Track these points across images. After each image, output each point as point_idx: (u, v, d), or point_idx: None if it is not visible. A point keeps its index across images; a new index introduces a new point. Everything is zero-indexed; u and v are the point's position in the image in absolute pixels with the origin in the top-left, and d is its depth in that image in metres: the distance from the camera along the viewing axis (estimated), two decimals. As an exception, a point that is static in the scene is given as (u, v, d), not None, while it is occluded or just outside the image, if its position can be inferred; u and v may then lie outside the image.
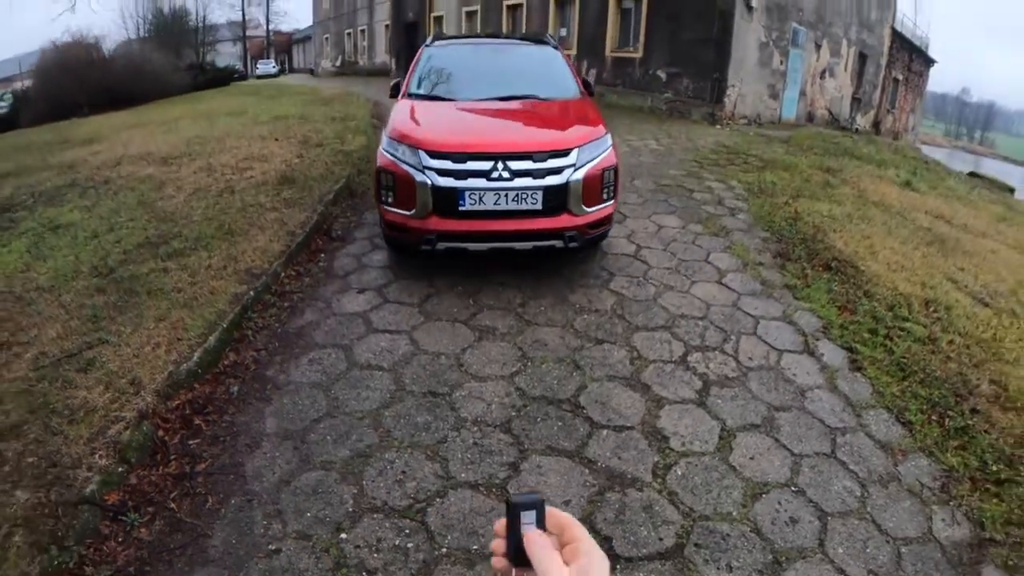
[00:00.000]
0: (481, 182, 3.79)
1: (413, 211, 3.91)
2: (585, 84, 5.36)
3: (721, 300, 4.34)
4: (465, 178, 3.80)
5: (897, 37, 22.03)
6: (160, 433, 2.69)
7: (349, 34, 33.22)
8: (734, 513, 2.53)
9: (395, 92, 5.19)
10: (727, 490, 2.64)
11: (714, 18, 13.68)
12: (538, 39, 6.13)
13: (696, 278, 4.66)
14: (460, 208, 3.84)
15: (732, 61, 13.80)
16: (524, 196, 3.82)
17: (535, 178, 3.83)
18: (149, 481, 2.50)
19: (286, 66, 45.63)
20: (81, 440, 2.53)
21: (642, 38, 15.16)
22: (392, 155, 4.02)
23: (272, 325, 3.71)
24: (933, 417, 3.25)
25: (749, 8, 13.97)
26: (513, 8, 18.82)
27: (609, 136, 4.38)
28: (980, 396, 3.42)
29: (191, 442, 2.75)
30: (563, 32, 17.47)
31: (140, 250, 4.42)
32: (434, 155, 3.86)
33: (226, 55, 41.51)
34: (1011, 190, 16.64)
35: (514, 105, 4.79)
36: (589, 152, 4.07)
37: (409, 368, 3.34)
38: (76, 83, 14.22)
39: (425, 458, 2.71)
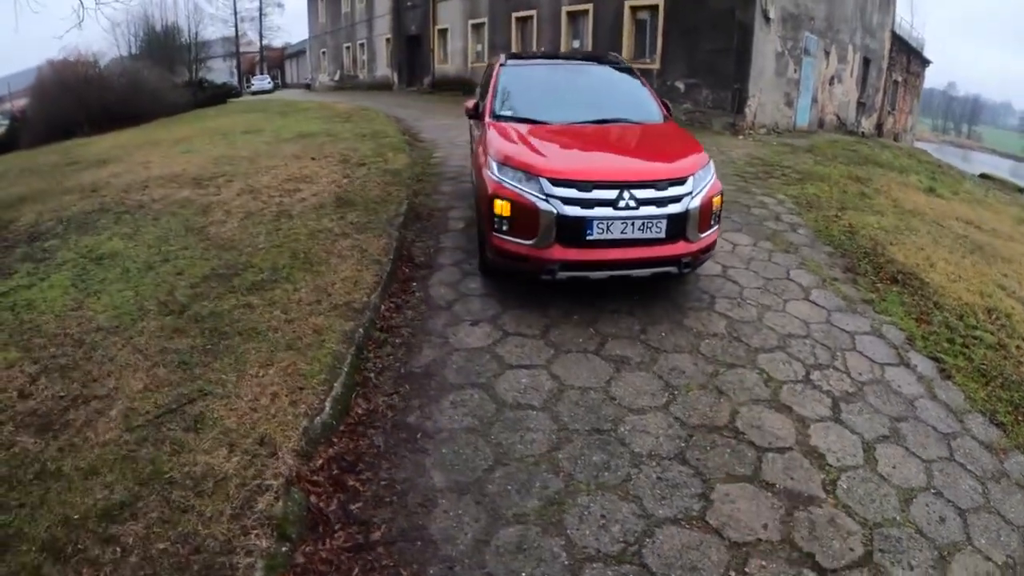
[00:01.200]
0: (608, 211, 3.73)
1: (534, 240, 3.76)
2: (663, 105, 5.29)
3: (815, 317, 4.44)
4: (592, 207, 3.72)
5: (896, 40, 22.21)
6: (314, 500, 2.28)
7: (348, 48, 32.84)
8: (897, 518, 2.74)
9: (474, 113, 5.05)
10: (885, 498, 2.84)
11: (734, 29, 13.52)
12: (608, 59, 6.06)
13: (786, 296, 4.73)
14: (587, 237, 3.75)
15: (752, 71, 13.64)
16: (649, 225, 3.79)
17: (659, 207, 3.80)
18: (320, 559, 2.12)
19: (279, 81, 45.13)
20: (223, 517, 2.12)
21: (659, 49, 14.96)
22: (507, 182, 3.87)
23: (393, 365, 3.40)
24: (1020, 418, 3.59)
25: (767, 19, 13.84)
26: (523, 20, 18.57)
27: (712, 162, 4.38)
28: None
29: (352, 507, 2.39)
30: (575, 44, 17.24)
31: (210, 283, 3.97)
32: (558, 183, 3.75)
33: (218, 71, 41.04)
34: (1021, 190, 16.85)
35: (614, 130, 4.73)
36: (701, 179, 4.07)
37: (562, 405, 3.21)
38: (75, 102, 13.67)
39: (618, 499, 2.66)
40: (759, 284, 4.89)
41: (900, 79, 23.83)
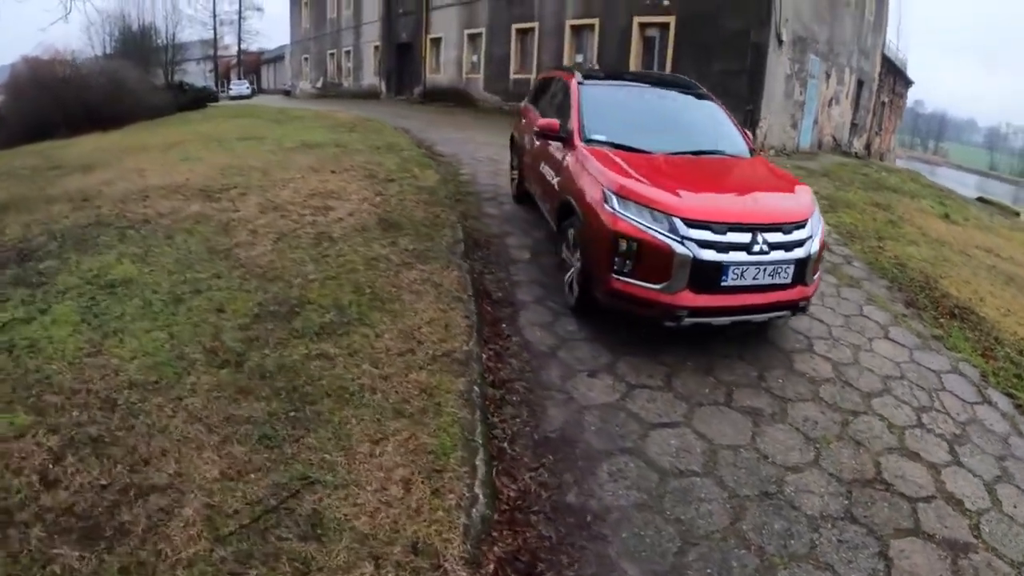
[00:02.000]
0: (742, 255, 3.52)
1: (663, 285, 3.49)
2: (745, 135, 5.12)
3: (900, 356, 4.44)
4: (727, 251, 3.50)
5: (886, 62, 22.53)
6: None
7: (332, 54, 31.92)
8: (1037, 555, 2.78)
9: (555, 134, 4.70)
10: (1018, 536, 2.91)
11: (747, 51, 13.32)
12: (683, 83, 5.82)
13: (868, 335, 4.69)
14: (721, 283, 3.52)
15: (765, 93, 13.44)
16: (779, 270, 3.63)
17: (786, 251, 3.65)
18: None
19: (254, 86, 43.79)
20: None
21: (668, 67, 14.65)
22: (632, 219, 3.57)
23: (523, 431, 2.96)
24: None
25: (780, 41, 13.69)
26: (523, 32, 18.13)
27: None
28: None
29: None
30: (579, 58, 16.86)
31: (264, 324, 3.29)
32: (693, 224, 3.48)
33: (192, 75, 39.60)
34: (1017, 213, 17.40)
35: (720, 165, 4.52)
36: (816, 221, 3.95)
37: (723, 468, 3.02)
38: (52, 102, 12.60)
39: (813, 568, 2.55)
40: (841, 322, 4.81)
41: (887, 100, 24.20)
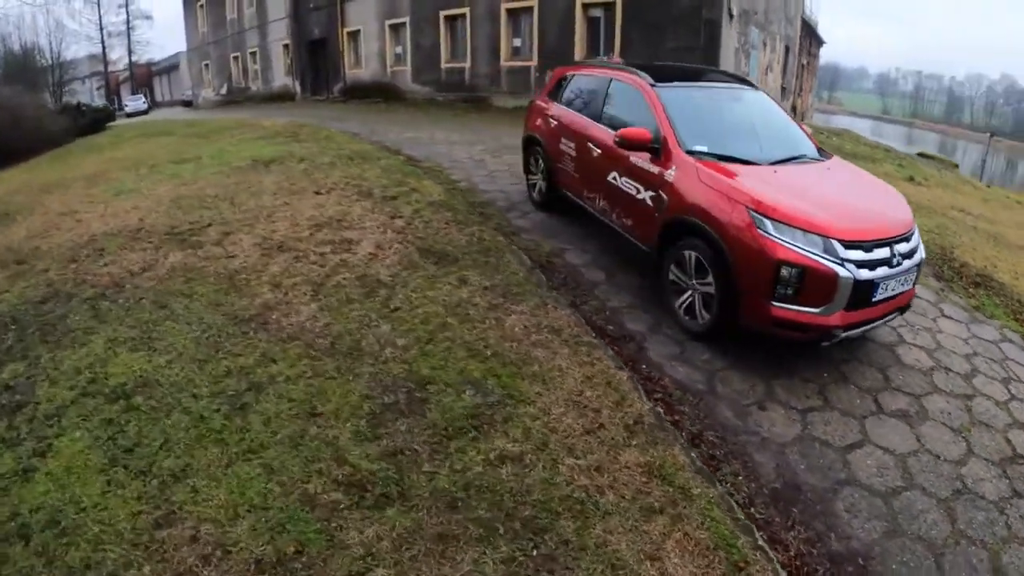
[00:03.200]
0: (886, 270, 3.49)
1: (823, 308, 3.38)
2: (804, 130, 4.98)
3: (963, 332, 4.50)
4: (875, 268, 3.45)
5: (804, 25, 23.28)
6: None
7: (236, 57, 29.22)
8: None
9: (643, 145, 4.22)
10: None
11: (700, 27, 13.05)
12: (742, 79, 5.42)
13: (930, 315, 4.68)
14: (872, 299, 3.49)
15: (720, 65, 13.27)
16: (908, 278, 3.67)
17: (910, 259, 3.65)
18: None
19: (150, 101, 39.80)
20: None
21: (617, 47, 14.19)
22: (793, 245, 3.36)
23: (752, 487, 2.71)
24: None
25: (731, 16, 13.53)
26: (453, 19, 17.09)
27: None
28: None
29: None
30: (517, 43, 16.11)
31: (394, 426, 2.46)
32: (849, 245, 3.39)
33: (81, 93, 35.45)
34: (955, 165, 18.55)
35: (820, 171, 4.33)
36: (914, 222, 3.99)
37: (918, 477, 2.98)
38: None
39: (1019, 544, 2.65)
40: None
41: (805, 62, 25.03)
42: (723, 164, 3.91)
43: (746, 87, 5.11)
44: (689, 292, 3.88)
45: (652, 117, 4.32)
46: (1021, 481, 3.01)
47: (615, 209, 4.66)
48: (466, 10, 16.62)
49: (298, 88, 24.44)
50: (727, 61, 13.64)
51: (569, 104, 5.51)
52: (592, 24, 14.63)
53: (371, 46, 20.35)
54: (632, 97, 4.65)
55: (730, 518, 2.39)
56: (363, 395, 2.66)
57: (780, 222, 3.37)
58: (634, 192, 4.35)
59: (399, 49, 19.34)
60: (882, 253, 3.46)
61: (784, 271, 3.31)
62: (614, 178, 4.58)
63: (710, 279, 3.66)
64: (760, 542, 2.35)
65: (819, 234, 3.33)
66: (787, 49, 20.44)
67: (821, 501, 2.74)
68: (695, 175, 3.84)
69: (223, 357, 3.07)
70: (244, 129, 11.97)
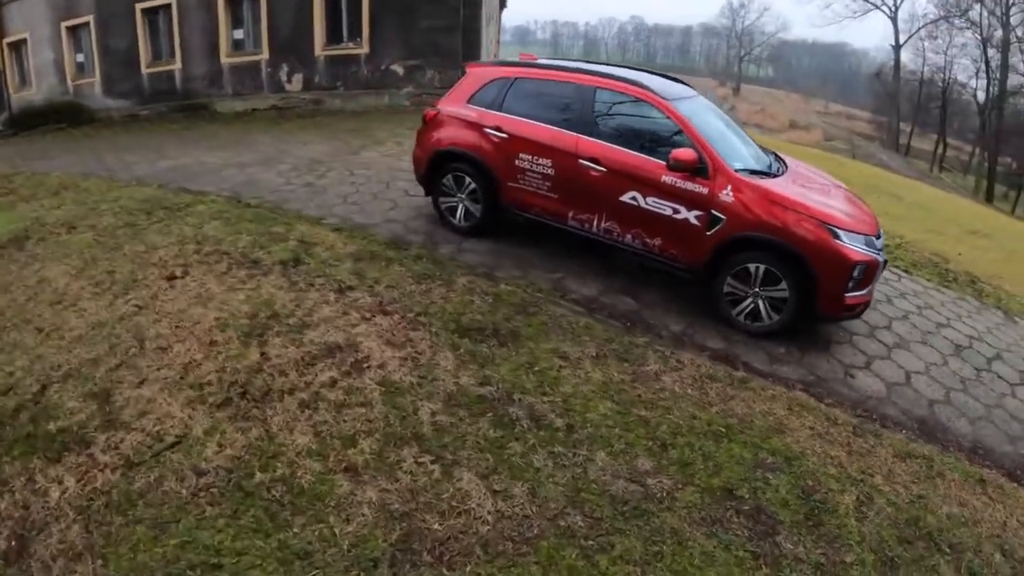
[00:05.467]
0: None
1: (868, 288, 4.39)
2: None
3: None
4: (880, 252, 4.50)
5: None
6: None
7: None
8: None
9: (697, 168, 4.38)
10: None
11: (459, 5, 12.88)
12: (682, 82, 5.58)
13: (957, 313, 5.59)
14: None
15: (481, 45, 13.41)
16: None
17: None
18: None
19: None
20: None
21: (365, 31, 13.34)
22: (861, 248, 4.24)
23: None
24: None
25: (482, -10, 13.65)
26: (153, 12, 13.85)
27: None
28: None
29: None
30: (239, 35, 13.93)
31: None
32: (876, 239, 4.47)
33: None
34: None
35: (804, 177, 4.97)
36: None
37: None
38: None
39: None
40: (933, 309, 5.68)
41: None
42: (765, 180, 4.44)
43: (692, 91, 5.28)
44: (750, 300, 4.41)
45: (683, 135, 4.46)
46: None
47: (631, 230, 4.70)
48: (171, 0, 13.63)
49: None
50: (485, 43, 13.82)
51: (521, 114, 4.97)
52: (333, 7, 13.36)
53: (43, 57, 15.42)
54: (641, 112, 4.68)
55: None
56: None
57: (847, 231, 4.19)
58: (670, 212, 4.47)
59: (82, 57, 15.10)
60: (880, 242, 4.54)
61: (857, 269, 4.16)
62: (633, 199, 4.58)
63: (782, 286, 4.26)
64: None
65: (864, 234, 4.28)
66: (490, 17, 21.54)
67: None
68: (754, 193, 4.29)
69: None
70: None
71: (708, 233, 4.37)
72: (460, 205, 5.50)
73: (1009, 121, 33.56)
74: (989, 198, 30.71)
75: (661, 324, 4.51)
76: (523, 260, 5.14)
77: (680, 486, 2.89)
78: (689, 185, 4.39)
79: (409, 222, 5.81)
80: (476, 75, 5.42)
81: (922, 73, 42.62)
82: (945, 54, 38.59)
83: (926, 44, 40.72)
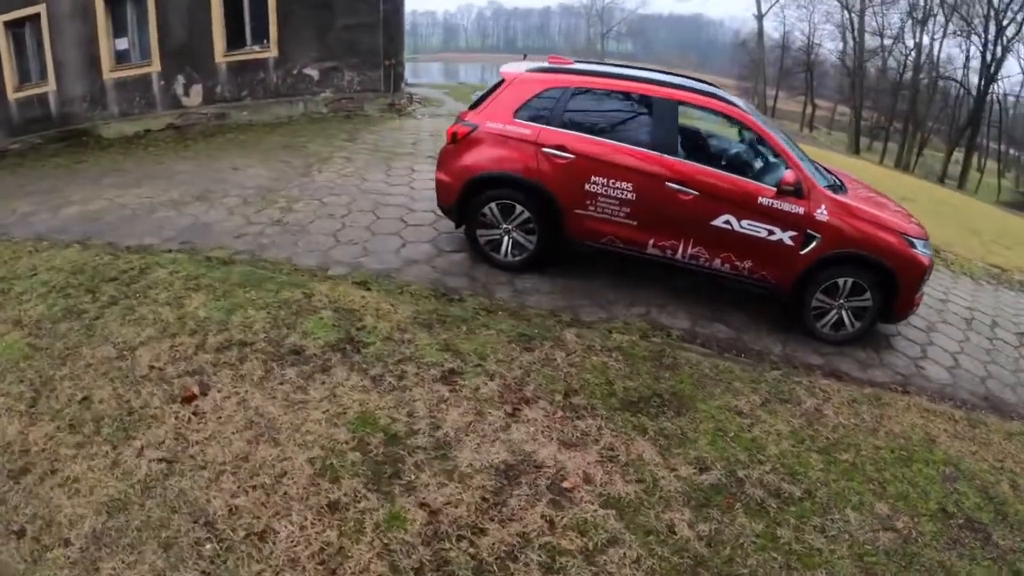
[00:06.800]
0: None
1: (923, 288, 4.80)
2: None
3: None
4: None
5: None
6: None
7: None
8: None
9: (795, 190, 4.33)
10: None
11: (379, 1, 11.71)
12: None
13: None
14: None
15: (405, 42, 12.41)
16: None
17: None
18: None
19: None
20: None
21: (273, 32, 11.94)
22: (927, 252, 4.60)
23: None
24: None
25: (398, -19, 12.57)
26: (18, 25, 11.30)
27: None
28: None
29: None
30: (123, 44, 11.94)
31: None
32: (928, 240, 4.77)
33: None
34: None
35: (857, 189, 5.23)
36: None
37: None
38: None
39: None
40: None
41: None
42: (842, 195, 4.51)
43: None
44: (834, 311, 4.58)
45: (778, 156, 4.37)
46: None
47: (721, 254, 4.51)
48: (40, 8, 11.23)
49: None
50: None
51: (586, 131, 4.35)
52: (234, 8, 11.74)
53: None
54: (728, 129, 4.66)
55: None
56: None
57: (918, 238, 4.52)
58: (765, 234, 4.38)
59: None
60: None
61: (928, 273, 4.58)
62: (727, 223, 4.41)
63: (867, 296, 4.46)
64: None
65: (926, 239, 4.63)
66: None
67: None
68: (842, 210, 4.37)
69: None
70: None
71: (802, 252, 4.38)
72: (506, 238, 4.76)
73: (872, 79, 36.77)
74: (856, 151, 33.47)
75: (765, 348, 4.55)
76: (593, 294, 4.67)
77: (915, 520, 3.08)
78: (786, 206, 4.32)
79: (434, 261, 4.98)
80: (523, 83, 4.66)
81: (783, 38, 45.71)
82: (810, 22, 41.56)
83: (792, 12, 43.55)
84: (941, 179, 28.90)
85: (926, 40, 32.07)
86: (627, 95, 4.57)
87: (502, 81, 4.74)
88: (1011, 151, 34.13)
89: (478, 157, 4.65)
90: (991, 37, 28.71)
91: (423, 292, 4.37)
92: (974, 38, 30.41)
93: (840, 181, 4.89)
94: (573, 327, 4.15)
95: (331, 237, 5.55)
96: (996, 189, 31.01)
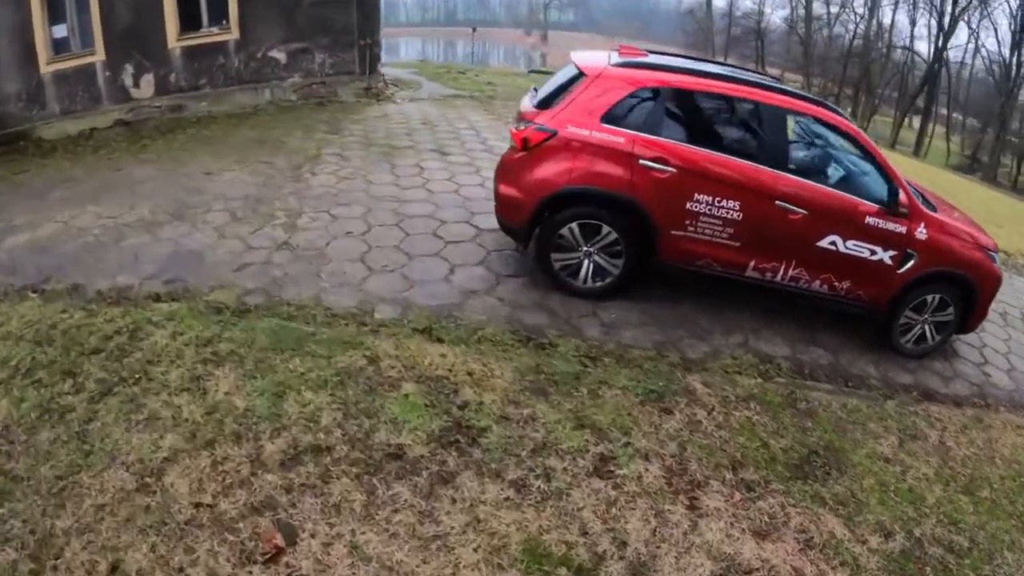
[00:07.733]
0: None
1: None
2: None
3: None
4: None
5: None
6: None
7: None
8: None
9: (894, 208, 4.18)
10: None
11: (353, -25, 10.60)
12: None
13: None
14: None
15: (380, 20, 11.37)
16: None
17: None
18: None
19: None
20: None
21: (233, 11, 10.68)
22: (999, 265, 4.71)
23: None
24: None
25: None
26: None
27: None
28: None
29: None
30: (61, 32, 10.40)
31: None
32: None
33: None
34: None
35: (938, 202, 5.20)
36: None
37: None
38: None
39: None
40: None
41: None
42: (932, 212, 4.38)
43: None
44: (919, 326, 4.56)
45: (882, 170, 4.17)
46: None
47: (821, 276, 4.28)
48: None
49: None
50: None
51: (685, 140, 3.84)
52: (185, -15, 10.37)
53: None
54: (832, 141, 4.50)
55: None
56: None
57: (994, 251, 4.64)
58: (867, 255, 4.23)
59: None
60: None
61: (1000, 284, 4.66)
62: (833, 244, 4.15)
63: (950, 311, 4.50)
64: None
65: (997, 250, 4.76)
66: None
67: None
68: (937, 228, 4.30)
69: None
70: None
71: (899, 272, 4.29)
72: (586, 261, 4.11)
73: (821, 47, 37.32)
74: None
75: (863, 372, 4.47)
76: (685, 322, 4.33)
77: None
78: (891, 225, 4.18)
79: (496, 290, 4.25)
80: (610, 81, 3.95)
81: (730, 5, 45.72)
82: (761, -10, 41.64)
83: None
84: (892, 144, 29.65)
85: (880, 12, 32.67)
86: (730, 99, 4.10)
87: (578, 76, 4.01)
88: (957, 116, 35.30)
89: (558, 169, 3.94)
90: (947, 8, 29.55)
91: (505, 339, 3.63)
92: (925, 6, 31.11)
93: (924, 195, 4.75)
94: (692, 372, 3.67)
95: (359, 263, 4.71)
96: (945, 153, 32.03)
